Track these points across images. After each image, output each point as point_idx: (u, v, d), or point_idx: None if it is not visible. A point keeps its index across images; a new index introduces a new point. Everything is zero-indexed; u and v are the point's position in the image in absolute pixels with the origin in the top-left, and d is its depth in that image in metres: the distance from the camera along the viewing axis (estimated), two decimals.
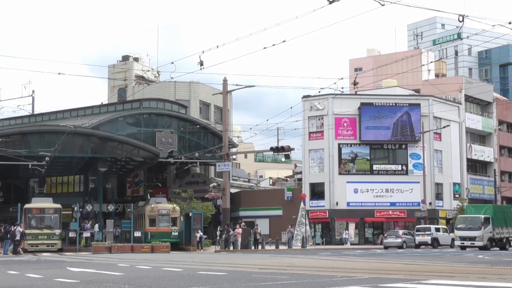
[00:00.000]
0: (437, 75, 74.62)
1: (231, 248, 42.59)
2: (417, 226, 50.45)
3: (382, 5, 19.55)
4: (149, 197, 50.27)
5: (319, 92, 49.03)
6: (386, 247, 45.98)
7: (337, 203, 57.30)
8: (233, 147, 60.14)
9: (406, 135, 58.51)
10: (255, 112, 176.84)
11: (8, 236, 37.10)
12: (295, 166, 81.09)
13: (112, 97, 66.60)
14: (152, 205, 44.74)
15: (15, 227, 37.23)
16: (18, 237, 36.71)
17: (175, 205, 45.95)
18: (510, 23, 22.44)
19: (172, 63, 28.80)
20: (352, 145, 58.47)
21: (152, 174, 64.61)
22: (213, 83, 72.89)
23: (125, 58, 73.27)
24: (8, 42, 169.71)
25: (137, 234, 45.92)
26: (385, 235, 49.76)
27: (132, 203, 52.32)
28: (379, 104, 58.64)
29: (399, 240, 46.69)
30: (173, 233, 44.04)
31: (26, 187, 65.09)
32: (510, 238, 43.93)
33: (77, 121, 48.03)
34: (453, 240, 46.01)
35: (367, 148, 58.67)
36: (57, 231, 41.18)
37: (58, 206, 42.36)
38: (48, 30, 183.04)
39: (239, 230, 43.79)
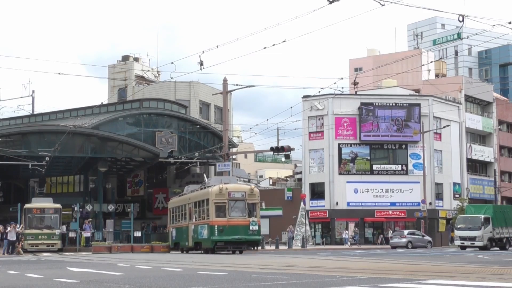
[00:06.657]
0: (437, 75, 74.62)
1: None
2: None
3: (382, 5, 19.55)
4: (205, 178, 38.94)
5: (319, 92, 49.02)
6: (393, 247, 46.99)
7: (337, 203, 57.31)
8: (233, 147, 60.06)
9: (406, 135, 58.50)
10: (255, 112, 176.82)
11: (3, 236, 37.33)
12: (295, 166, 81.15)
13: (112, 97, 66.54)
14: (220, 186, 32.47)
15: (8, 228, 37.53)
16: (9, 238, 36.80)
17: (253, 186, 34.69)
18: (510, 23, 22.43)
19: (172, 63, 28.84)
20: (352, 145, 58.47)
21: (152, 174, 64.56)
22: (213, 83, 73.00)
23: (125, 58, 73.22)
24: (8, 42, 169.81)
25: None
26: (391, 235, 51.12)
27: (132, 203, 52.33)
28: (379, 104, 58.65)
29: (404, 240, 48.11)
30: (251, 227, 32.18)
31: (26, 187, 65.01)
32: (510, 238, 43.98)
33: (77, 121, 47.99)
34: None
35: (367, 148, 58.68)
36: (57, 231, 41.21)
37: (58, 206, 42.37)
38: (47, 30, 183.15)
39: None
